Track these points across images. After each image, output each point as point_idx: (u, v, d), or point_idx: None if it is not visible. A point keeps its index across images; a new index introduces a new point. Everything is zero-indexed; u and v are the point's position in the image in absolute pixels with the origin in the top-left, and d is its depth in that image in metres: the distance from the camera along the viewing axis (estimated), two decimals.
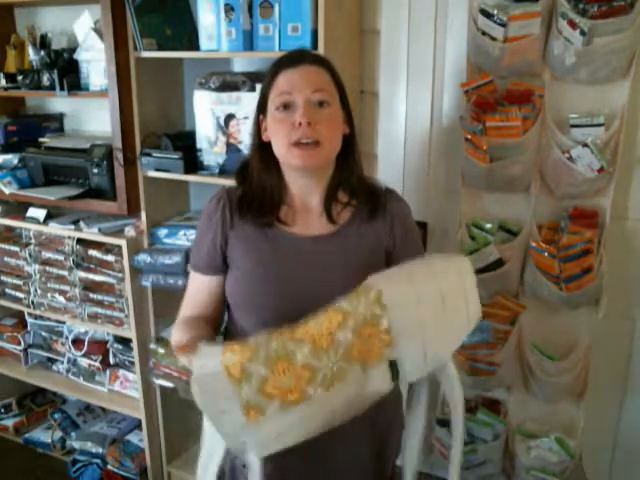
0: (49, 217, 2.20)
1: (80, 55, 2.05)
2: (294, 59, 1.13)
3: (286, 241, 1.15)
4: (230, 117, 1.78)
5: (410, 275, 0.98)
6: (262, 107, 1.16)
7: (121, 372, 2.31)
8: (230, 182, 1.26)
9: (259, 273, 1.15)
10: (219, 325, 1.28)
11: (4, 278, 2.41)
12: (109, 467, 2.33)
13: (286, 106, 1.09)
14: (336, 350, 0.93)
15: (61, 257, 2.21)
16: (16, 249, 2.32)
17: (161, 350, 2.05)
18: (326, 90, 1.11)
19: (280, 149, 1.11)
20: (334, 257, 1.14)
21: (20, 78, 2.16)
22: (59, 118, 2.42)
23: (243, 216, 1.17)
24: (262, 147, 1.17)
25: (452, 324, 1.01)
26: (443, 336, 1.01)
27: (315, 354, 0.92)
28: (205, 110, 1.82)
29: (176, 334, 1.18)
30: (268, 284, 1.14)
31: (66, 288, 2.23)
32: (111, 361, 2.33)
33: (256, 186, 1.18)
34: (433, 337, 0.98)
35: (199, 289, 1.23)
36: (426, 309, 0.97)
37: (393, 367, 0.99)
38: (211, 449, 1.03)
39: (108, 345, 2.32)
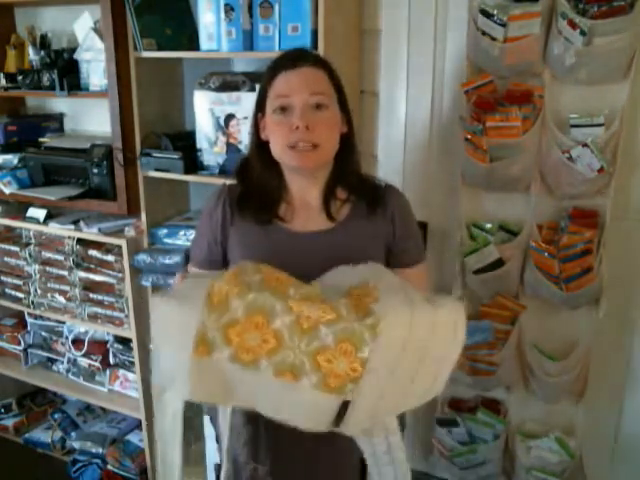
0: (49, 217, 2.20)
1: (80, 55, 2.05)
2: (292, 60, 1.13)
3: (285, 237, 1.16)
4: (230, 117, 1.78)
5: (413, 323, 0.90)
6: (260, 106, 1.16)
7: (121, 372, 2.31)
8: (227, 181, 1.26)
9: None
10: None
11: (4, 278, 2.40)
12: (109, 467, 2.33)
13: (283, 109, 1.10)
14: (310, 341, 0.88)
15: (61, 257, 2.21)
16: (16, 249, 2.32)
17: None
18: (324, 93, 1.11)
19: (277, 150, 1.13)
20: (333, 253, 1.14)
21: (20, 78, 2.16)
22: (59, 118, 2.42)
23: (243, 213, 1.17)
24: (261, 145, 1.17)
25: (414, 387, 0.95)
26: (400, 395, 0.95)
27: (292, 329, 0.88)
28: (205, 110, 1.82)
29: None
30: None
31: (66, 288, 2.23)
32: (111, 361, 2.33)
33: (256, 184, 1.19)
34: (392, 392, 0.93)
35: None
36: (404, 361, 0.90)
37: (341, 410, 0.92)
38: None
39: (108, 345, 2.32)
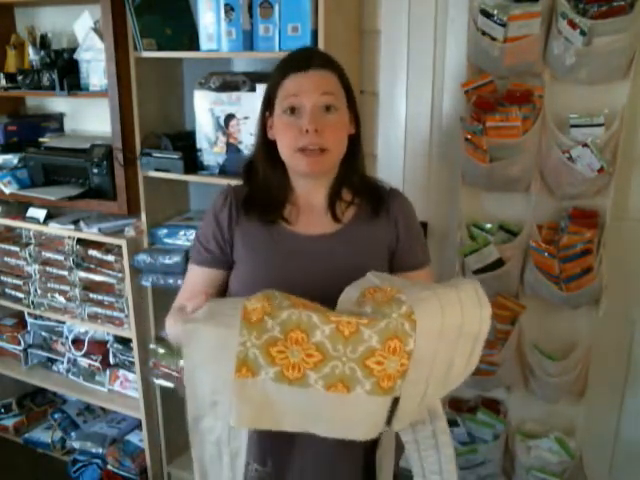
0: (49, 217, 2.20)
1: (80, 55, 2.05)
2: (302, 62, 1.11)
3: (289, 240, 1.16)
4: (230, 117, 1.78)
5: (442, 305, 0.88)
6: (268, 105, 1.15)
7: (121, 372, 2.31)
8: (230, 182, 1.26)
9: (261, 271, 1.15)
10: None
11: (4, 278, 2.40)
12: (109, 467, 2.33)
13: (293, 109, 1.09)
14: (355, 346, 0.85)
15: (61, 257, 2.21)
16: (16, 249, 2.32)
17: (161, 350, 2.06)
18: (334, 94, 1.10)
19: (286, 153, 1.12)
20: (337, 255, 1.14)
21: (20, 78, 2.16)
22: (59, 118, 2.42)
23: (248, 214, 1.17)
24: (267, 144, 1.17)
25: (453, 369, 0.93)
26: (442, 380, 0.93)
27: (334, 338, 0.85)
28: (205, 110, 1.82)
29: (171, 320, 1.15)
30: (270, 282, 1.14)
31: (66, 288, 2.23)
32: (111, 361, 2.33)
33: (261, 185, 1.18)
34: (435, 379, 0.91)
35: (198, 281, 1.22)
36: (442, 345, 0.88)
37: (391, 408, 0.90)
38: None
39: (108, 345, 2.32)
